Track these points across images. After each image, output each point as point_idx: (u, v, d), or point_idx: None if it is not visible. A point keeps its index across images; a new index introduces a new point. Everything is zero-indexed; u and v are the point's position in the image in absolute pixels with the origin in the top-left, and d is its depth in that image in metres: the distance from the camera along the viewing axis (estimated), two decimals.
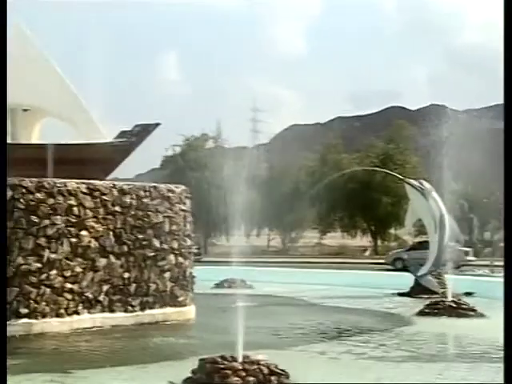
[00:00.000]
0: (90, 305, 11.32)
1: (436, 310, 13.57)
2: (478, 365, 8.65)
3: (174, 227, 12.54)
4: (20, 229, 10.75)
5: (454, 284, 15.61)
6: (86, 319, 11.23)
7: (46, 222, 10.96)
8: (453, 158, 15.87)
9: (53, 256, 10.95)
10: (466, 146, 16.19)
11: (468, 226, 41.81)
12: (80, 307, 11.19)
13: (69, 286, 11.08)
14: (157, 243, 12.20)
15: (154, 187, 12.41)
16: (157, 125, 14.80)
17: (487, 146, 21.72)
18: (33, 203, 10.90)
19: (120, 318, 11.60)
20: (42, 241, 10.90)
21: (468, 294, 16.53)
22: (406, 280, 17.90)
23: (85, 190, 11.42)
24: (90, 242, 11.36)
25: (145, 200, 12.10)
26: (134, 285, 11.86)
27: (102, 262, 11.49)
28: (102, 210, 11.55)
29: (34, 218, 10.88)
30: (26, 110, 14.95)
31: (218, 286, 18.95)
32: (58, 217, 11.07)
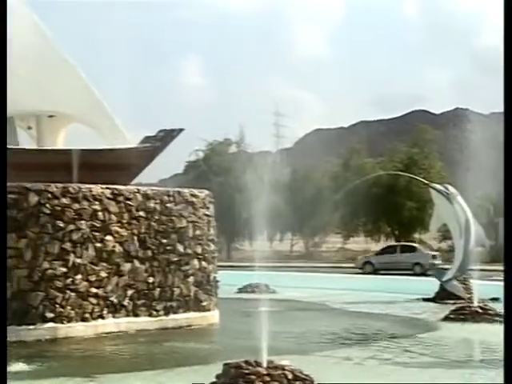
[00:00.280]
0: (115, 309, 11.39)
1: (462, 315, 13.42)
2: None
3: (198, 232, 12.58)
4: (46, 234, 10.86)
5: (480, 289, 15.44)
6: (111, 323, 11.30)
7: (72, 226, 11.06)
8: (478, 161, 15.71)
9: (78, 261, 11.04)
10: (491, 149, 16.03)
11: (494, 231, 41.33)
12: (105, 312, 11.26)
13: (94, 290, 11.16)
14: (181, 248, 12.25)
15: (178, 192, 12.46)
16: (180, 130, 14.87)
17: None
18: (58, 208, 11.00)
19: (144, 322, 11.66)
20: (68, 245, 11.00)
21: (494, 299, 16.33)
22: (432, 285, 17.74)
23: (109, 195, 11.51)
24: (114, 246, 11.44)
25: (169, 205, 12.16)
26: (158, 289, 11.91)
27: (127, 266, 11.56)
28: (126, 215, 11.62)
29: (60, 223, 10.98)
30: (51, 117, 15.11)
31: (242, 290, 18.96)
32: (83, 222, 11.17)
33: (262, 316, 7.93)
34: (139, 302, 11.67)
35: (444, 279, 17.38)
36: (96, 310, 11.17)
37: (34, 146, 15.46)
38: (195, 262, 12.49)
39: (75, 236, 11.07)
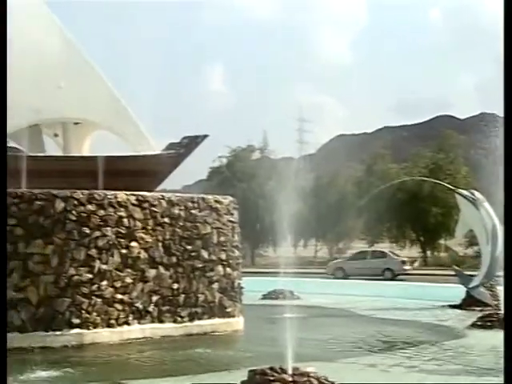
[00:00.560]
0: (140, 315, 11.43)
1: (489, 322, 13.23)
2: None
3: (222, 238, 12.59)
4: (72, 240, 10.94)
5: None
6: (136, 330, 11.35)
7: (97, 233, 11.14)
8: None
9: (104, 267, 11.11)
10: None
11: None
12: (130, 318, 11.31)
13: (119, 296, 11.21)
14: (205, 254, 12.26)
15: (202, 198, 12.48)
16: (205, 136, 14.94)
17: None
18: (84, 215, 11.08)
19: (169, 328, 11.68)
20: (93, 252, 11.07)
21: None
22: (458, 292, 17.54)
23: (134, 202, 11.57)
24: (139, 253, 11.49)
25: (193, 211, 12.19)
26: (182, 296, 11.93)
27: (152, 272, 11.60)
28: (151, 222, 11.67)
29: (86, 230, 11.06)
30: (77, 124, 15.27)
31: (266, 296, 18.92)
32: (109, 228, 11.24)
33: (287, 322, 7.91)
34: (164, 308, 11.70)
35: (471, 286, 17.17)
36: (121, 316, 11.22)
37: (60, 153, 15.63)
38: (220, 268, 12.49)
39: (101, 242, 11.14)
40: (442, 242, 52.69)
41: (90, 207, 11.15)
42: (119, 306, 11.21)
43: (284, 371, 6.92)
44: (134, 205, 11.55)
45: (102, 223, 11.19)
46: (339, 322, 14.79)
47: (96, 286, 11.01)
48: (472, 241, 38.57)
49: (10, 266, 10.55)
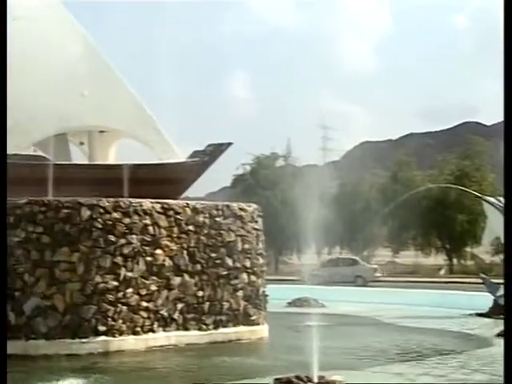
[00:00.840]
0: (165, 323, 11.45)
1: None
2: None
3: (247, 246, 12.58)
4: (98, 248, 11.01)
5: None
6: (161, 337, 11.37)
7: (123, 241, 11.19)
8: None
9: (129, 274, 11.16)
10: None
11: None
12: (155, 325, 11.34)
13: (144, 304, 11.25)
14: (230, 262, 12.26)
15: (227, 206, 12.49)
16: (229, 144, 14.99)
17: None
18: (110, 223, 11.15)
19: (194, 336, 11.69)
20: (119, 259, 11.13)
21: None
22: (485, 301, 17.32)
23: (159, 210, 11.62)
24: (164, 260, 11.52)
25: (218, 219, 12.20)
26: (207, 303, 11.94)
27: (177, 280, 11.62)
28: (176, 229, 11.71)
29: (111, 237, 11.12)
30: (102, 132, 15.42)
31: (291, 304, 18.86)
32: (134, 236, 11.29)
33: (312, 330, 7.86)
34: (189, 316, 11.71)
35: (498, 294, 16.94)
36: (147, 323, 11.25)
37: (85, 162, 15.79)
38: (244, 275, 12.48)
39: (126, 250, 11.19)
40: (468, 249, 52.13)
41: (116, 215, 11.22)
42: (144, 314, 11.25)
43: (310, 379, 6.89)
44: (159, 212, 11.60)
45: (127, 231, 11.25)
46: (365, 330, 14.65)
47: (121, 293, 11.05)
48: (499, 248, 38.17)
49: (37, 273, 10.66)
